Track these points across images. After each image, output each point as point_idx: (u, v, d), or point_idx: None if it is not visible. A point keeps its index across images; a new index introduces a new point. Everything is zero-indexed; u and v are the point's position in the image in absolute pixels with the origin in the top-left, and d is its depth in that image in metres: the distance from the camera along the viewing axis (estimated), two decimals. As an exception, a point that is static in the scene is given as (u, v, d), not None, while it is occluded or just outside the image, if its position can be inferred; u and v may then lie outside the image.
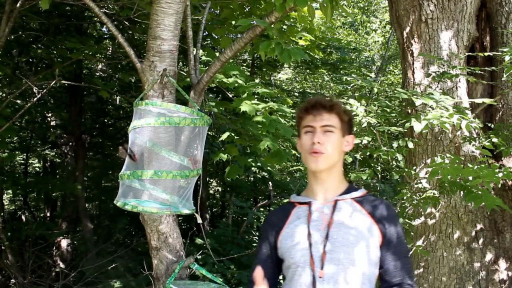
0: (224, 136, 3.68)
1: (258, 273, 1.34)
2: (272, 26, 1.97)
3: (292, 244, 1.40)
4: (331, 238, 1.36)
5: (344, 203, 1.44)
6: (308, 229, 1.39)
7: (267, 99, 4.36)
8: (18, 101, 6.43)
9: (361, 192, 1.48)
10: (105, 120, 8.95)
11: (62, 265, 6.58)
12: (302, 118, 1.50)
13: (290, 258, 1.40)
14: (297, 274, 1.37)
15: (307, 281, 1.34)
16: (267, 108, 3.33)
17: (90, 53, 4.98)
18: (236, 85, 3.45)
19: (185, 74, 3.96)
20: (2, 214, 7.88)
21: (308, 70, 8.93)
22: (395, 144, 2.76)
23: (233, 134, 3.71)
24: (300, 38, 4.69)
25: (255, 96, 3.52)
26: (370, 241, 1.37)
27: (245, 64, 8.45)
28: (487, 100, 2.63)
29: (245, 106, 3.26)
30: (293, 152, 4.55)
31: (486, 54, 2.90)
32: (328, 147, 1.42)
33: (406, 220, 2.89)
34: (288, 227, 1.45)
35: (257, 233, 8.92)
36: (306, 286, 1.34)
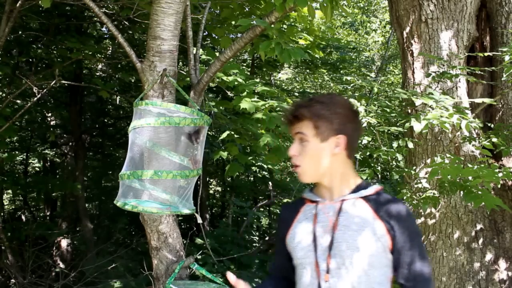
0: (224, 135, 3.68)
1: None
2: (272, 26, 1.97)
3: (297, 245, 1.38)
4: (336, 241, 1.31)
5: (351, 203, 1.35)
6: (313, 231, 1.35)
7: (267, 98, 4.36)
8: (18, 101, 6.43)
9: (372, 190, 1.37)
10: (105, 120, 8.95)
11: (62, 265, 6.58)
12: None
13: (296, 258, 1.38)
14: (304, 276, 1.35)
15: (312, 283, 1.32)
16: (267, 106, 3.33)
17: (90, 53, 4.98)
18: (235, 83, 3.45)
19: (185, 74, 3.96)
20: (2, 214, 7.88)
21: (308, 70, 8.94)
22: (395, 144, 2.76)
23: (233, 133, 3.71)
24: (300, 38, 4.69)
25: (255, 96, 3.51)
26: (377, 244, 1.29)
27: (245, 64, 8.46)
28: (487, 100, 2.63)
29: (244, 104, 3.25)
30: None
31: (486, 54, 2.90)
32: (304, 159, 1.34)
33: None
34: (295, 225, 1.41)
35: (257, 233, 8.94)
36: None
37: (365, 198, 1.36)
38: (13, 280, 5.52)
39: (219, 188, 11.62)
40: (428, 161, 3.07)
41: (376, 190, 1.37)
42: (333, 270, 1.30)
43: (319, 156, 1.34)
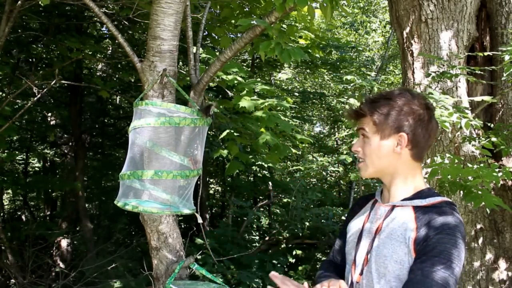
0: (224, 134, 3.68)
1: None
2: (272, 26, 1.96)
3: (348, 238, 1.39)
4: (374, 246, 1.27)
5: (401, 210, 1.27)
6: (361, 230, 1.34)
7: (267, 97, 4.36)
8: (18, 101, 6.43)
9: (429, 201, 1.25)
10: (105, 120, 8.96)
11: (62, 265, 6.58)
12: None
13: (345, 251, 1.40)
14: (346, 269, 1.37)
15: (347, 279, 1.33)
16: (266, 104, 3.33)
17: (90, 53, 4.98)
18: (235, 82, 3.45)
19: (185, 74, 3.96)
20: (2, 214, 7.89)
21: (308, 70, 8.94)
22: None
23: (233, 132, 3.71)
24: (300, 37, 4.69)
25: (255, 95, 3.52)
26: (407, 258, 1.21)
27: (245, 64, 8.46)
28: (487, 98, 2.63)
29: (244, 102, 3.25)
30: (293, 150, 4.55)
31: (486, 54, 2.90)
32: (365, 155, 1.32)
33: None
34: (356, 218, 1.41)
35: (257, 233, 8.93)
36: (347, 286, 1.29)
37: (416, 208, 1.26)
38: (13, 280, 5.52)
39: (219, 188, 11.63)
40: (428, 161, 3.07)
41: (432, 203, 1.25)
42: (366, 273, 1.27)
43: (378, 154, 1.29)
